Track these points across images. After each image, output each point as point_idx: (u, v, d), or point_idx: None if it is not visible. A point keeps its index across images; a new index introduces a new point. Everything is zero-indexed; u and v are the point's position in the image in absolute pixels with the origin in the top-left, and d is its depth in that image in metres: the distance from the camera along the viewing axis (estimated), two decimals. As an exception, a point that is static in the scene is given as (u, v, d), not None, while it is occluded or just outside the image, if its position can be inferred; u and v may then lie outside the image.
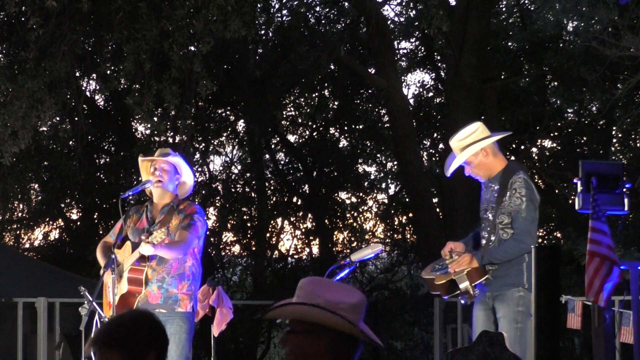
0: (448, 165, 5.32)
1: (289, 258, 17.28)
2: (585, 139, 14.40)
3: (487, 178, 5.24)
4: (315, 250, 17.07)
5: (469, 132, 5.20)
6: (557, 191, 13.67)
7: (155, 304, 5.37)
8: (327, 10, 15.55)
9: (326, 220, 16.54)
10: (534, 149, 14.43)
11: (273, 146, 16.81)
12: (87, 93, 13.91)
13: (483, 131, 5.21)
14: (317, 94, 16.67)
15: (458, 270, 5.03)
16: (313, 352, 2.74)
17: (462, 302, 5.12)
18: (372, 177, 17.27)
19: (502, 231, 5.09)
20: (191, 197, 5.77)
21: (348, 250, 16.05)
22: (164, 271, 5.39)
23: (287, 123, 16.13)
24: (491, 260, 5.05)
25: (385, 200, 17.44)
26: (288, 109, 16.42)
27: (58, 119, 12.69)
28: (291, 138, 16.96)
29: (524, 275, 5.01)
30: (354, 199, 17.01)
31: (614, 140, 14.17)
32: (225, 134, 15.36)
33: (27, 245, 16.00)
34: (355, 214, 17.02)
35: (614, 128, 13.55)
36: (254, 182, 16.05)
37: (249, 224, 15.80)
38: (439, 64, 15.95)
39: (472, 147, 5.15)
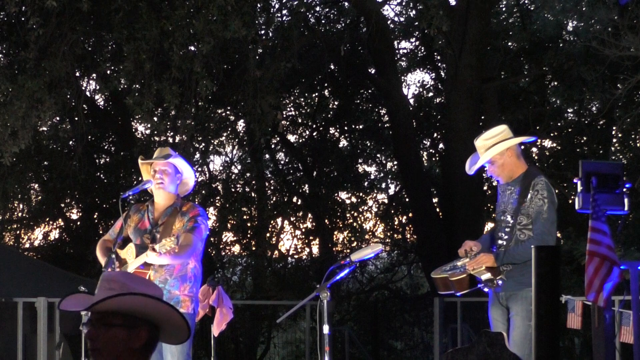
0: (471, 164, 5.37)
1: (289, 258, 17.28)
2: (585, 139, 14.40)
3: (508, 180, 5.28)
4: (315, 250, 17.09)
5: (495, 132, 5.28)
6: (557, 191, 13.65)
7: None
8: (327, 10, 15.55)
9: (326, 220, 16.54)
10: (534, 149, 14.44)
11: (273, 146, 16.81)
12: (87, 93, 13.91)
13: (508, 133, 5.29)
14: (317, 94, 16.68)
15: (476, 267, 5.07)
16: (133, 345, 2.65)
17: (486, 290, 5.15)
18: (372, 177, 17.29)
19: (520, 232, 5.13)
20: (191, 196, 5.76)
21: (348, 250, 16.05)
22: (167, 273, 5.38)
23: (287, 123, 16.13)
24: (510, 260, 5.09)
25: (385, 200, 17.45)
26: (288, 109, 16.42)
27: (58, 119, 12.70)
28: (291, 138, 16.97)
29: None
30: (354, 199, 17.02)
31: (614, 140, 14.17)
32: (225, 134, 15.36)
33: (27, 245, 15.99)
34: (355, 214, 17.02)
35: (614, 128, 13.55)
36: (254, 182, 16.04)
37: (249, 224, 15.79)
38: (439, 64, 15.96)
39: (499, 145, 5.21)
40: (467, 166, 5.42)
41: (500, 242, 5.22)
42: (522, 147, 5.44)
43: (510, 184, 5.27)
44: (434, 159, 16.57)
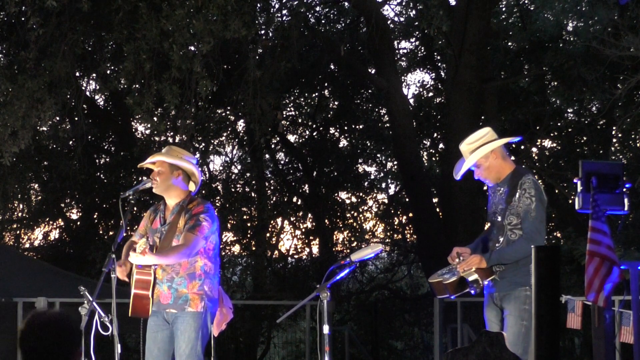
0: (458, 169, 5.37)
1: (289, 258, 17.29)
2: (585, 139, 14.40)
3: (495, 181, 5.29)
4: (315, 250, 17.10)
5: (478, 135, 5.29)
6: (557, 191, 13.67)
7: (166, 304, 5.38)
8: (327, 10, 15.56)
9: (326, 220, 16.54)
10: (534, 149, 14.44)
11: (273, 146, 16.81)
12: (87, 93, 13.90)
13: (492, 135, 5.30)
14: (317, 94, 16.68)
15: (467, 269, 5.07)
16: None
17: (473, 292, 5.15)
18: (372, 177, 17.30)
19: (511, 232, 5.13)
20: (197, 194, 5.71)
21: (348, 250, 16.05)
22: (173, 271, 5.38)
23: (287, 123, 16.13)
24: (500, 260, 5.08)
25: (385, 200, 17.45)
26: (288, 109, 16.43)
27: (58, 119, 12.68)
28: (291, 138, 16.98)
29: (531, 275, 5.04)
30: (354, 199, 17.02)
31: (614, 140, 14.17)
32: (225, 134, 15.36)
33: (27, 245, 15.98)
34: (355, 214, 17.02)
35: (614, 128, 13.56)
36: (254, 182, 16.05)
37: (249, 224, 15.80)
38: (439, 64, 15.96)
39: (483, 148, 5.21)
40: (453, 172, 5.43)
41: (491, 243, 5.23)
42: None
43: (500, 184, 5.27)
44: (434, 159, 16.57)
